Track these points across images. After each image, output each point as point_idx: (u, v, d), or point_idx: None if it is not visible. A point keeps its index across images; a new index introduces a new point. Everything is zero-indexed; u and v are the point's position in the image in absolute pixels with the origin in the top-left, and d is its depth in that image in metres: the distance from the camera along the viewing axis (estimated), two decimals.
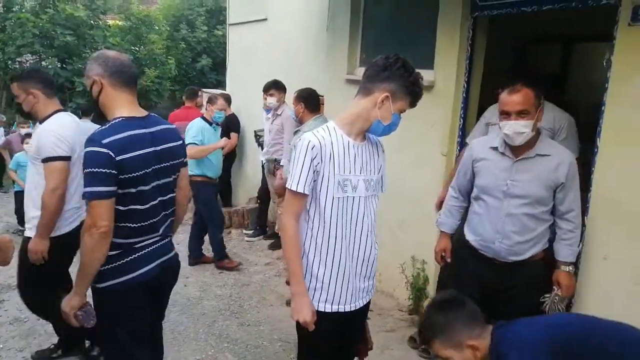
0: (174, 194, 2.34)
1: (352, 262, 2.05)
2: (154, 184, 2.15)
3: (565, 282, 2.51)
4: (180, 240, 5.88)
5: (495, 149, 2.52)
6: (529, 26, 4.67)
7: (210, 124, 4.99)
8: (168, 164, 2.22)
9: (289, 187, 1.95)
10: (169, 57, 14.87)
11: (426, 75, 3.81)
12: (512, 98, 2.38)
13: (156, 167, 2.15)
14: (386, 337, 3.69)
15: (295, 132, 4.28)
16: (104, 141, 1.96)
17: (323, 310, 2.04)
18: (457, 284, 2.56)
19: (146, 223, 2.16)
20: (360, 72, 4.77)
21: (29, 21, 12.25)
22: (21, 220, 6.18)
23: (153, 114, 2.29)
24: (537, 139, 2.46)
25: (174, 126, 2.38)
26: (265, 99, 5.68)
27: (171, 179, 2.28)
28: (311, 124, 4.06)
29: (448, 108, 3.64)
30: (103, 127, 2.05)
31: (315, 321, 2.00)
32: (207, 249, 5.40)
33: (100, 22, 13.86)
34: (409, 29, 4.23)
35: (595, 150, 2.72)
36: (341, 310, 2.06)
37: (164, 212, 2.26)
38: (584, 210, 2.73)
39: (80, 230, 2.07)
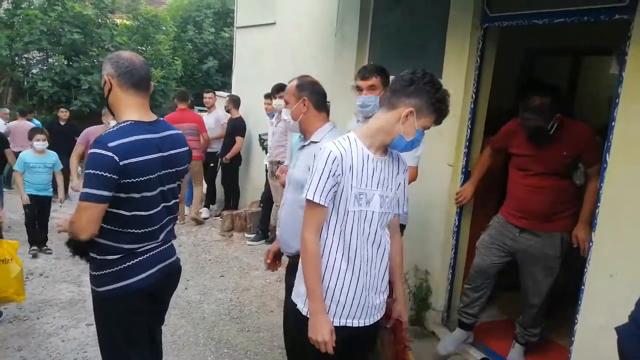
0: (178, 200, 2.32)
1: (365, 277, 1.99)
2: (158, 189, 2.13)
3: None
4: (182, 242, 5.87)
5: None
6: (538, 37, 4.66)
7: None
8: (173, 170, 2.20)
9: (306, 197, 1.89)
10: (176, 57, 14.96)
11: None
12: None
13: (161, 172, 2.13)
14: None
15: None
16: (111, 144, 1.94)
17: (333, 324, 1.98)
18: None
19: (150, 229, 2.13)
20: None
21: (37, 18, 12.32)
22: (37, 240, 5.54)
23: (162, 119, 2.28)
24: (320, 126, 2.52)
25: (180, 132, 2.35)
26: (270, 102, 5.69)
27: (175, 185, 2.26)
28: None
29: (456, 118, 3.61)
30: (111, 130, 2.02)
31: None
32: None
33: (108, 21, 13.95)
34: (417, 38, 4.22)
35: (604, 166, 2.69)
36: (349, 324, 2.00)
37: (167, 218, 2.24)
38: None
39: None
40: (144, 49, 14.54)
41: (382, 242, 2.02)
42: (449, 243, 3.77)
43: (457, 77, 3.61)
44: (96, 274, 2.12)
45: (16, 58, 13.24)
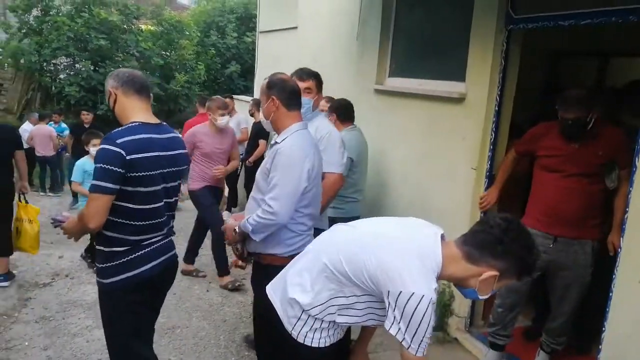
0: (178, 198, 2.54)
1: None
2: (162, 186, 2.30)
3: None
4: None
5: None
6: (563, 39, 4.58)
7: None
8: (175, 169, 2.39)
9: (415, 354, 1.69)
10: (199, 62, 15.15)
11: (457, 87, 3.80)
12: None
13: (165, 170, 2.30)
14: None
15: None
16: (119, 141, 2.11)
17: (324, 345, 1.95)
18: None
19: (153, 222, 2.30)
20: (389, 82, 4.74)
21: (65, 25, 12.61)
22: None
23: (164, 123, 2.46)
24: (284, 128, 2.51)
25: (179, 136, 2.56)
26: None
27: (176, 183, 2.45)
28: (344, 135, 4.01)
29: (479, 121, 3.57)
30: (121, 128, 2.22)
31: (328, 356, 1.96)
32: None
33: (133, 27, 14.19)
34: (440, 40, 4.18)
35: (634, 169, 2.62)
36: (334, 341, 1.99)
37: (167, 213, 2.42)
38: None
39: None
40: (168, 54, 14.76)
41: None
42: None
43: (480, 79, 3.57)
44: (103, 266, 2.27)
45: (44, 64, 13.57)
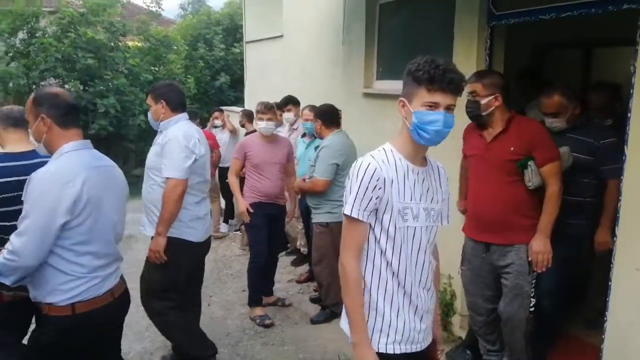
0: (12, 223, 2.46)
1: (417, 299, 1.85)
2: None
3: None
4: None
5: None
6: (548, 31, 4.61)
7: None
8: (10, 194, 2.56)
9: (344, 213, 1.76)
10: (188, 75, 15.13)
11: None
12: None
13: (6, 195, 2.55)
14: None
15: (315, 148, 4.26)
16: None
17: (392, 352, 1.81)
18: None
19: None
20: (377, 85, 4.75)
21: (52, 46, 12.56)
22: None
23: (35, 150, 2.56)
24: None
25: (42, 160, 2.51)
26: (280, 115, 5.69)
27: (14, 208, 2.42)
28: (330, 139, 4.06)
29: (469, 119, 3.57)
30: None
31: None
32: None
33: (120, 44, 14.14)
34: (425, 40, 4.20)
35: (624, 158, 2.63)
36: (409, 350, 1.85)
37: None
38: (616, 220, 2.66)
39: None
40: (156, 69, 14.74)
41: (427, 260, 1.88)
42: None
43: (466, 76, 3.58)
44: None
45: (33, 86, 13.52)
